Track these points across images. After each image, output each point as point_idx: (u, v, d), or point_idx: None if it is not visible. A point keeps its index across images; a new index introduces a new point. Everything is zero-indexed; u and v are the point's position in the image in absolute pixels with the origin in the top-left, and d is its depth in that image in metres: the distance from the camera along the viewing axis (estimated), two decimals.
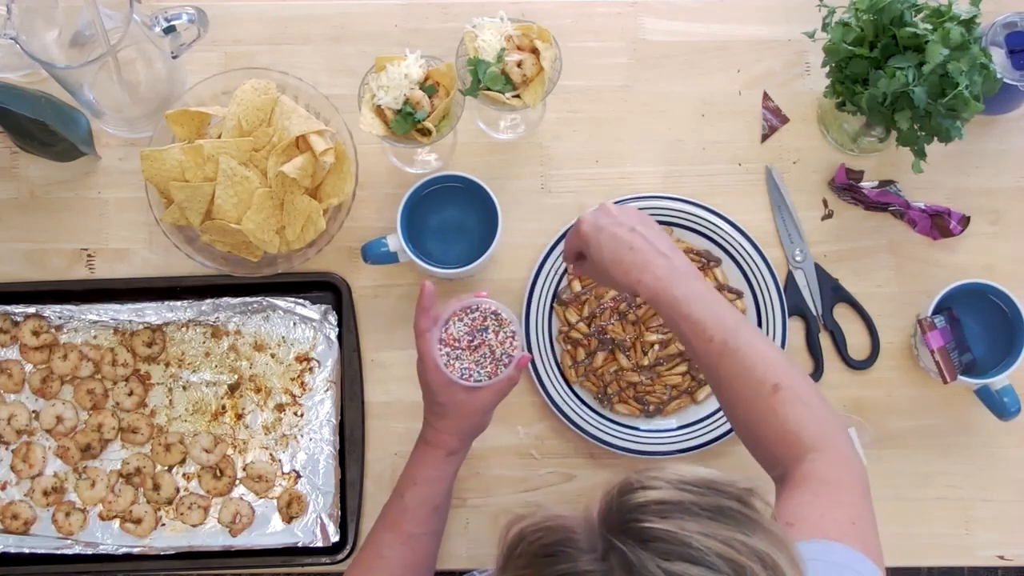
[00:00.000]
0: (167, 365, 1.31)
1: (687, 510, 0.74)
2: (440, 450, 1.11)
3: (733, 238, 1.30)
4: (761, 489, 0.78)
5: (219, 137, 1.25)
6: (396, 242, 1.25)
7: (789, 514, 0.93)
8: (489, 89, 1.18)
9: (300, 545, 1.27)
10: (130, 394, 1.30)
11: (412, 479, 1.12)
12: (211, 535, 1.28)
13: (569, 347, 1.31)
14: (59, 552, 1.27)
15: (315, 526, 1.28)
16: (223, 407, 1.30)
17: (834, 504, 0.94)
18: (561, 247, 1.30)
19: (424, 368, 1.10)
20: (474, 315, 1.11)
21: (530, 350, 1.29)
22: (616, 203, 1.12)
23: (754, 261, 1.30)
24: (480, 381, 1.09)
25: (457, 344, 1.10)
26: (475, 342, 1.10)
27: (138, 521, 1.28)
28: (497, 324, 1.11)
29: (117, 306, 1.30)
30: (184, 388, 1.30)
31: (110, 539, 1.28)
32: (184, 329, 1.31)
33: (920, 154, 1.20)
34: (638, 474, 0.77)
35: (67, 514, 1.27)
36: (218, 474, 1.29)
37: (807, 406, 1.00)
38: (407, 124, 1.19)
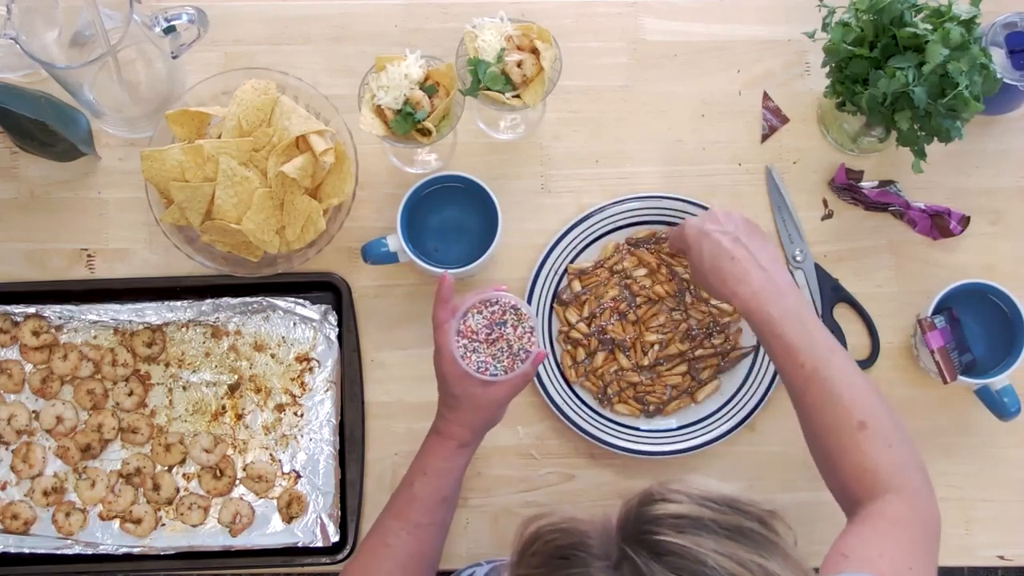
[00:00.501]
0: (167, 365, 1.31)
1: (705, 527, 0.74)
2: (452, 441, 1.10)
3: None
4: (784, 513, 0.77)
5: (219, 137, 1.25)
6: (396, 242, 1.25)
7: (847, 546, 0.92)
8: (489, 89, 1.18)
9: (300, 545, 1.27)
10: (130, 394, 1.30)
11: (422, 469, 1.11)
12: (211, 535, 1.28)
13: (569, 347, 1.31)
14: (59, 552, 1.27)
15: (315, 526, 1.28)
16: (223, 407, 1.30)
17: (894, 545, 0.93)
18: (562, 246, 1.30)
19: (440, 359, 1.09)
20: (493, 308, 1.10)
21: None
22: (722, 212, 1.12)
23: None
24: (496, 375, 1.09)
25: (475, 337, 1.09)
26: (493, 336, 1.10)
27: (138, 521, 1.28)
28: (516, 319, 1.10)
29: (117, 306, 1.30)
30: (184, 388, 1.30)
31: (110, 539, 1.28)
32: (184, 329, 1.31)
33: (920, 154, 1.20)
34: (661, 485, 0.76)
35: (67, 514, 1.27)
36: (218, 474, 1.29)
37: (890, 447, 0.99)
38: (407, 124, 1.19)
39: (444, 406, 1.12)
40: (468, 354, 1.09)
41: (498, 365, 1.09)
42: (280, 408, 1.30)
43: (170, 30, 1.22)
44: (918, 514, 0.97)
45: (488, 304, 1.10)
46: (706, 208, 1.30)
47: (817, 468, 1.03)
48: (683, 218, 1.31)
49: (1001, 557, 1.30)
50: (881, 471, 0.97)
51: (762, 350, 1.30)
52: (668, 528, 0.73)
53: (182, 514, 1.28)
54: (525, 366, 1.09)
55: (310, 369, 1.31)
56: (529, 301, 1.30)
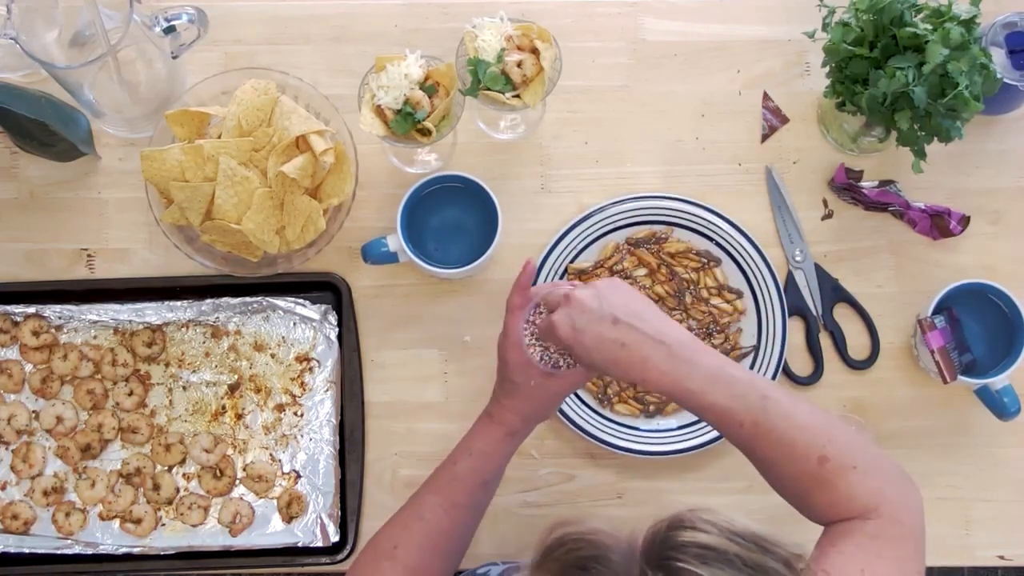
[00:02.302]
0: (167, 365, 1.31)
1: (730, 562, 0.73)
2: (502, 427, 1.09)
3: (733, 238, 1.30)
4: (780, 512, 0.77)
5: (219, 137, 1.25)
6: (396, 242, 1.25)
7: (828, 563, 0.89)
8: (489, 89, 1.18)
9: (300, 545, 1.27)
10: (130, 394, 1.30)
11: (468, 449, 1.10)
12: (211, 535, 1.28)
13: None
14: (59, 552, 1.27)
15: (315, 526, 1.28)
16: (223, 407, 1.30)
17: (877, 558, 0.90)
18: (562, 246, 1.30)
19: (506, 343, 1.08)
20: None
21: None
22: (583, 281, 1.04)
23: (754, 261, 1.30)
24: (559, 368, 1.08)
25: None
26: None
27: (138, 521, 1.28)
28: None
29: (117, 306, 1.30)
30: (184, 388, 1.30)
31: (110, 539, 1.28)
32: (184, 329, 1.31)
33: (920, 154, 1.20)
34: (691, 512, 0.76)
35: (67, 514, 1.27)
36: (218, 474, 1.29)
37: (855, 470, 0.94)
38: (407, 124, 1.19)
39: (500, 391, 1.11)
40: (534, 343, 1.08)
41: (561, 359, 1.08)
42: (280, 408, 1.30)
43: (170, 30, 1.22)
44: (900, 525, 0.94)
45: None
46: (705, 207, 1.30)
47: (791, 505, 1.00)
48: (683, 218, 1.31)
49: (1001, 557, 1.30)
50: (855, 497, 0.94)
51: (763, 350, 1.30)
52: (692, 557, 0.73)
53: (182, 514, 1.28)
54: None
55: (310, 369, 1.31)
56: None
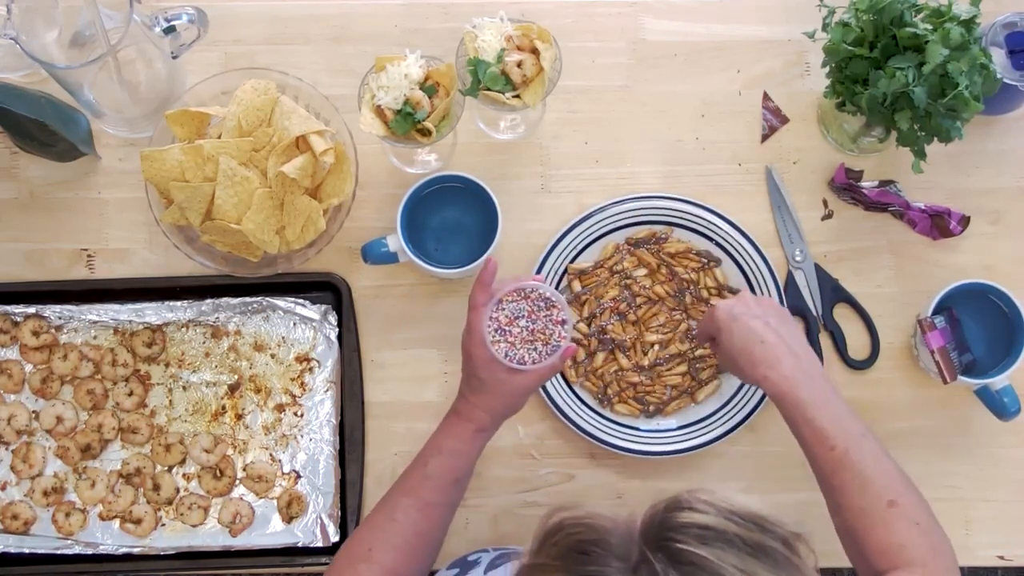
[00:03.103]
0: (167, 365, 1.31)
1: (729, 541, 0.74)
2: (470, 424, 1.10)
3: (733, 238, 1.30)
4: (809, 536, 0.77)
5: (219, 137, 1.25)
6: (396, 242, 1.25)
7: None
8: (489, 89, 1.18)
9: (300, 545, 1.27)
10: (130, 394, 1.30)
11: (437, 448, 1.11)
12: (211, 535, 1.28)
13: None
14: (59, 552, 1.27)
15: (315, 526, 1.28)
16: (223, 407, 1.30)
17: None
18: (562, 246, 1.30)
19: (471, 341, 1.10)
20: (529, 298, 1.11)
21: None
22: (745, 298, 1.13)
23: (754, 261, 1.30)
24: (524, 364, 1.09)
25: (507, 324, 1.10)
26: (525, 325, 1.10)
27: (138, 521, 1.28)
28: (549, 310, 1.11)
29: (117, 306, 1.30)
30: (184, 388, 1.30)
31: (110, 539, 1.28)
32: (184, 329, 1.31)
33: (920, 154, 1.20)
34: (689, 493, 0.76)
35: (67, 514, 1.27)
36: (218, 474, 1.29)
37: (918, 524, 1.00)
38: (407, 124, 1.19)
39: (467, 388, 1.11)
40: (498, 339, 1.09)
41: (527, 354, 1.10)
42: (280, 408, 1.30)
43: (170, 30, 1.22)
44: None
45: (524, 293, 1.11)
46: (705, 207, 1.30)
47: (840, 542, 1.04)
48: (683, 218, 1.31)
49: (1001, 557, 1.30)
50: (908, 547, 0.98)
51: None
52: (692, 538, 0.73)
53: (182, 514, 1.28)
54: (553, 358, 1.10)
55: (310, 369, 1.31)
56: None
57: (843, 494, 1.01)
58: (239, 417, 1.30)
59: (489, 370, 1.09)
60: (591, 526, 0.77)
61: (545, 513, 0.80)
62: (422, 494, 1.10)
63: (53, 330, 1.30)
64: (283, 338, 1.31)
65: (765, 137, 1.35)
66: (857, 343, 1.32)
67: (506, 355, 1.09)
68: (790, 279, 1.32)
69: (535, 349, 1.10)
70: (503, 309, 1.10)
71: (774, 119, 1.35)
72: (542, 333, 1.10)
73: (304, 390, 1.31)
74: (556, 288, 1.31)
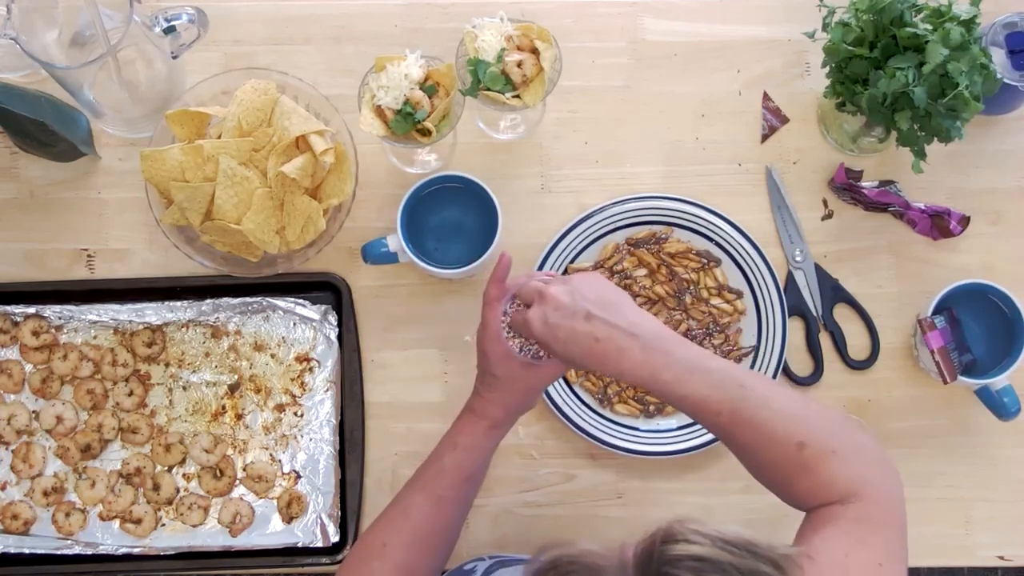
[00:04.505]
0: (167, 365, 1.31)
1: (724, 571, 0.73)
2: (485, 421, 1.09)
3: (733, 238, 1.30)
4: (799, 556, 0.77)
5: (219, 137, 1.25)
6: (396, 242, 1.25)
7: (813, 548, 0.90)
8: (489, 89, 1.18)
9: (300, 545, 1.27)
10: (130, 394, 1.30)
11: (453, 443, 1.10)
12: (211, 535, 1.28)
13: None
14: (59, 552, 1.27)
15: (315, 526, 1.28)
16: (223, 407, 1.30)
17: (860, 543, 0.91)
18: (562, 246, 1.30)
19: (486, 336, 1.08)
20: None
21: None
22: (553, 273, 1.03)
23: (754, 261, 1.30)
24: (538, 359, 1.08)
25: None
26: None
27: (138, 521, 1.28)
28: None
29: (117, 306, 1.30)
30: (184, 388, 1.30)
31: (110, 539, 1.28)
32: (184, 329, 1.31)
33: (920, 154, 1.20)
34: (681, 524, 0.76)
35: (67, 514, 1.27)
36: (218, 474, 1.29)
37: (836, 454, 0.95)
38: (407, 124, 1.19)
39: (482, 384, 1.10)
40: (512, 335, 1.08)
41: (541, 350, 1.08)
42: (280, 408, 1.30)
43: (170, 30, 1.22)
44: (881, 508, 0.94)
45: None
46: (705, 207, 1.30)
47: (772, 493, 1.00)
48: (683, 218, 1.31)
49: (1001, 557, 1.30)
50: (835, 483, 0.94)
51: (763, 350, 1.30)
52: (687, 571, 0.73)
53: (182, 514, 1.28)
54: None
55: (310, 369, 1.31)
56: None
57: (750, 453, 0.97)
58: (239, 417, 1.30)
59: (504, 366, 1.07)
60: (586, 565, 0.76)
61: (538, 547, 0.79)
62: (436, 490, 1.09)
63: (53, 330, 1.30)
64: (283, 338, 1.31)
65: (765, 137, 1.35)
66: (857, 343, 1.33)
67: (521, 350, 1.08)
68: (790, 279, 1.32)
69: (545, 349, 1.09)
70: (518, 305, 1.09)
71: (774, 119, 1.36)
72: None
73: (304, 390, 1.31)
74: None
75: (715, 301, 1.31)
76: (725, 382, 0.96)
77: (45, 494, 1.28)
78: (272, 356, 1.31)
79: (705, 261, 1.31)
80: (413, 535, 1.08)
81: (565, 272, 1.31)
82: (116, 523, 1.28)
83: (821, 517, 0.93)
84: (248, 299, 1.31)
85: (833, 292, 1.32)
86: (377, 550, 1.08)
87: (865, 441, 0.99)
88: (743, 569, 0.74)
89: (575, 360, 1.00)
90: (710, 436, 1.28)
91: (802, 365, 1.32)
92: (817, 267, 1.33)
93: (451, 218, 1.29)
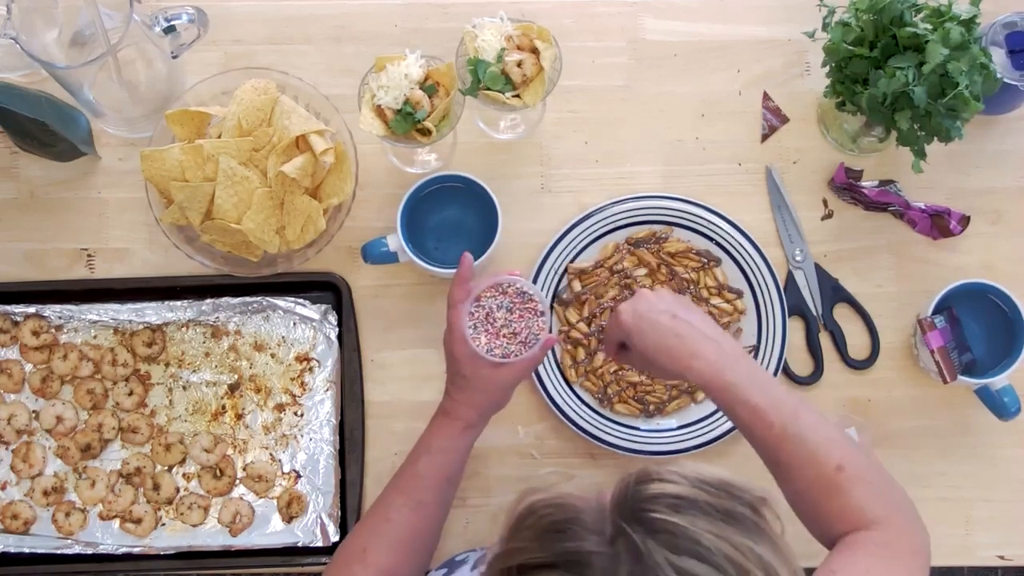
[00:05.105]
0: (167, 365, 1.31)
1: (701, 508, 0.75)
2: (458, 422, 1.11)
3: (733, 238, 1.30)
4: (773, 500, 0.78)
5: (219, 137, 1.25)
6: (396, 242, 1.25)
7: (836, 564, 0.93)
8: (489, 89, 1.18)
9: (300, 545, 1.27)
10: (130, 394, 1.30)
11: (427, 447, 1.11)
12: (211, 535, 1.28)
13: (569, 347, 1.31)
14: (59, 552, 1.27)
15: (315, 526, 1.28)
16: (223, 407, 1.30)
17: (885, 566, 0.94)
18: (562, 246, 1.30)
19: (452, 339, 1.10)
20: (507, 292, 1.12)
21: None
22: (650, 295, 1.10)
23: (754, 261, 1.30)
24: (506, 358, 1.10)
25: (487, 319, 1.11)
26: (504, 319, 1.11)
27: (138, 521, 1.28)
28: (528, 304, 1.12)
29: (117, 306, 1.30)
30: (184, 388, 1.30)
31: (110, 539, 1.28)
32: (184, 329, 1.31)
33: (920, 154, 1.20)
34: (657, 466, 0.77)
35: (67, 514, 1.27)
36: (218, 474, 1.29)
37: (871, 484, 0.99)
38: (407, 124, 1.19)
39: (452, 386, 1.12)
40: (479, 335, 1.11)
41: (508, 348, 1.11)
42: (280, 408, 1.30)
43: (170, 30, 1.22)
44: (908, 539, 0.97)
45: (501, 288, 1.12)
46: (705, 207, 1.31)
47: (800, 519, 1.03)
48: (683, 218, 1.31)
49: (1001, 557, 1.30)
50: (866, 508, 0.98)
51: (763, 349, 1.30)
52: (664, 507, 0.75)
53: (182, 514, 1.28)
54: (534, 350, 1.11)
55: (310, 369, 1.31)
56: None
57: (790, 468, 1.01)
58: (239, 417, 1.30)
59: (472, 367, 1.10)
60: (563, 506, 0.78)
61: (515, 498, 0.80)
62: (415, 494, 1.10)
63: (53, 330, 1.30)
64: (283, 338, 1.31)
65: (765, 137, 1.35)
66: (857, 343, 1.32)
67: (488, 351, 1.10)
68: (790, 279, 1.32)
69: (516, 343, 1.11)
70: (482, 305, 1.11)
71: (774, 119, 1.36)
72: (522, 327, 1.11)
73: (304, 390, 1.31)
74: (556, 288, 1.31)
75: (715, 301, 1.31)
76: (783, 399, 1.02)
77: (45, 494, 1.28)
78: (272, 356, 1.31)
79: (705, 261, 1.31)
80: (394, 539, 1.09)
81: (565, 271, 1.31)
82: (116, 523, 1.28)
83: (847, 542, 0.96)
84: (248, 299, 1.31)
85: (833, 292, 1.32)
86: (358, 555, 1.08)
87: (901, 488, 1.03)
88: (719, 508, 0.75)
89: (651, 352, 1.05)
90: (710, 436, 1.28)
91: (802, 365, 1.32)
92: (817, 267, 1.33)
93: (451, 218, 1.29)
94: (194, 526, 1.28)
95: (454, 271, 1.25)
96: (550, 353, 1.30)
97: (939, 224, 1.32)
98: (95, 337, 1.31)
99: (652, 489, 0.76)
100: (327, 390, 1.30)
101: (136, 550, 1.27)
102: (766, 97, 1.36)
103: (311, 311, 1.31)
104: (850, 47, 1.17)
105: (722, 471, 0.78)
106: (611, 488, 0.79)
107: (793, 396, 1.04)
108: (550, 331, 1.28)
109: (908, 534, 0.98)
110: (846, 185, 1.32)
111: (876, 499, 0.98)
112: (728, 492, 0.76)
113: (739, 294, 1.31)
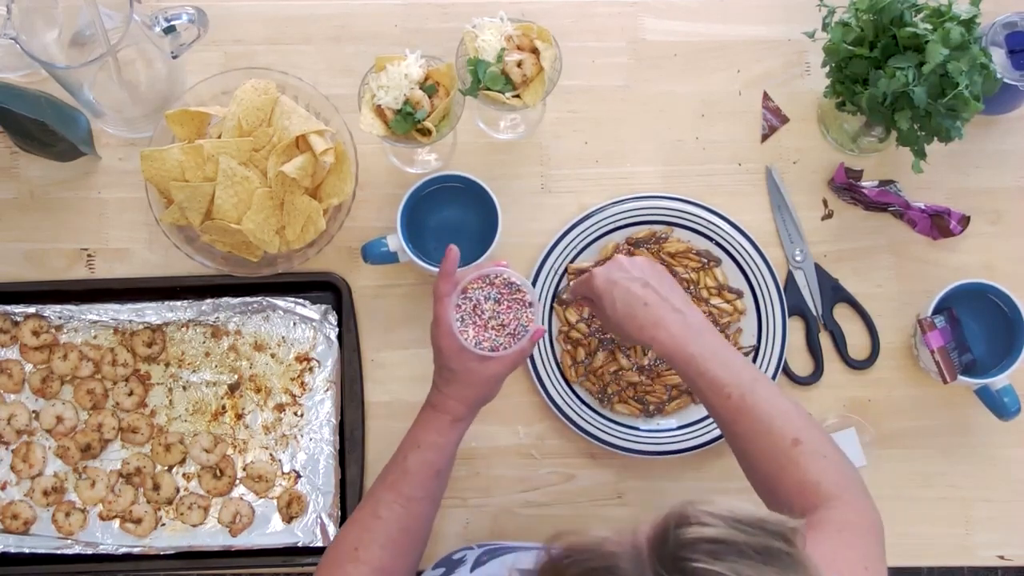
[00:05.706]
0: (167, 365, 1.31)
1: (740, 552, 0.73)
2: (446, 416, 1.10)
3: (733, 238, 1.30)
4: (804, 526, 0.78)
5: (219, 137, 1.25)
6: (396, 242, 1.25)
7: None
8: (489, 89, 1.18)
9: (300, 545, 1.27)
10: (130, 394, 1.30)
11: (415, 442, 1.11)
12: (211, 535, 1.28)
13: (569, 347, 1.31)
14: (59, 552, 1.27)
15: (315, 526, 1.28)
16: (223, 407, 1.30)
17: (846, 547, 0.95)
18: (562, 246, 1.30)
19: (438, 332, 1.09)
20: (494, 284, 1.11)
21: None
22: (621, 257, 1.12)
23: (754, 261, 1.30)
24: (494, 351, 1.09)
25: (474, 311, 1.10)
26: (491, 311, 1.10)
27: (138, 521, 1.28)
28: (516, 295, 1.11)
29: (117, 306, 1.30)
30: (184, 388, 1.30)
31: (110, 539, 1.28)
32: (184, 329, 1.31)
33: (920, 154, 1.20)
34: (692, 506, 0.76)
35: (67, 514, 1.27)
36: (218, 474, 1.29)
37: (826, 458, 1.01)
38: (407, 124, 1.19)
39: (439, 379, 1.11)
40: (466, 328, 1.09)
41: (496, 341, 1.09)
42: (280, 408, 1.30)
43: (170, 30, 1.22)
44: (863, 516, 0.99)
45: (488, 279, 1.11)
46: (705, 207, 1.31)
47: (757, 493, 1.05)
48: (683, 218, 1.31)
49: (1001, 557, 1.30)
50: (822, 482, 0.99)
51: (763, 350, 1.30)
52: (704, 554, 0.73)
53: (182, 514, 1.28)
54: (522, 342, 1.09)
55: (310, 369, 1.31)
56: None
57: (747, 440, 1.03)
58: (239, 417, 1.30)
59: (459, 360, 1.09)
60: (600, 553, 0.76)
61: (549, 536, 0.79)
62: (404, 489, 1.09)
63: (53, 330, 1.30)
64: (283, 338, 1.31)
65: (765, 137, 1.35)
66: (857, 343, 1.32)
67: (476, 344, 1.09)
68: (790, 279, 1.32)
69: (505, 335, 1.10)
70: (468, 298, 1.10)
71: (774, 119, 1.36)
72: (510, 319, 1.10)
73: (304, 390, 1.31)
74: (556, 288, 1.31)
75: (715, 301, 1.31)
76: (742, 372, 1.04)
77: (45, 494, 1.28)
78: (272, 356, 1.31)
79: (705, 261, 1.31)
80: (385, 536, 1.08)
81: (565, 272, 1.31)
82: (116, 523, 1.28)
83: (808, 526, 0.95)
84: (248, 299, 1.31)
85: (833, 292, 1.32)
86: (350, 554, 1.08)
87: (851, 463, 1.05)
88: (756, 547, 0.74)
89: (618, 318, 1.07)
90: (710, 436, 1.28)
91: (802, 365, 1.32)
92: (817, 267, 1.33)
93: (451, 218, 1.29)
94: (194, 526, 1.28)
95: None
96: (550, 353, 1.30)
97: (939, 224, 1.32)
98: (95, 337, 1.31)
99: (690, 534, 0.74)
100: (327, 390, 1.30)
101: (136, 550, 1.27)
102: (766, 97, 1.36)
103: (311, 311, 1.31)
104: (850, 47, 1.17)
105: (754, 507, 0.77)
106: (643, 528, 0.77)
107: (752, 370, 1.06)
108: (540, 322, 1.29)
109: (862, 511, 1.00)
110: (846, 185, 1.32)
111: (831, 474, 1.00)
112: (763, 529, 0.75)
113: (739, 294, 1.31)
